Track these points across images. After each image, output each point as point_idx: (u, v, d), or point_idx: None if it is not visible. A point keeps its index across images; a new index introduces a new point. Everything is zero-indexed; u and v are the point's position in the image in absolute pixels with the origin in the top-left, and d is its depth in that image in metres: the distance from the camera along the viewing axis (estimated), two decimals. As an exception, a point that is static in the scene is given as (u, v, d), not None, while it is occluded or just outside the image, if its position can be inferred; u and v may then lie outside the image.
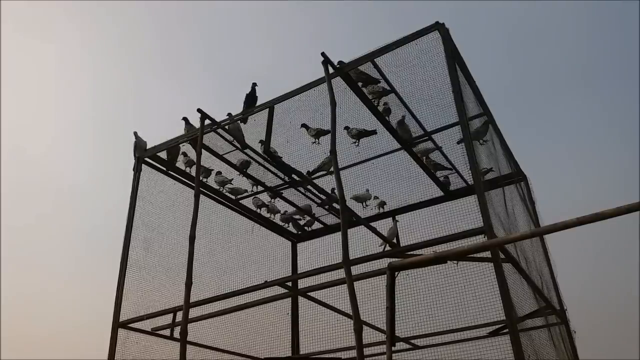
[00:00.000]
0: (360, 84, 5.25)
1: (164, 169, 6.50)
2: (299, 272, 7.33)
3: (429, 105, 5.47)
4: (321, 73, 4.92)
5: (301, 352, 6.57)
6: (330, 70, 4.90)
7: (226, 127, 5.86)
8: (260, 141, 5.92)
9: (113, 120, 20.69)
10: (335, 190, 4.49)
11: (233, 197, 6.99)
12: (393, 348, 3.36)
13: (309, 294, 6.08)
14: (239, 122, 5.93)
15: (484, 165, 5.00)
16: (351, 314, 3.79)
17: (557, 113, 18.07)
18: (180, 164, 6.54)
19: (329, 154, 4.81)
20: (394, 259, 4.03)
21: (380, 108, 5.53)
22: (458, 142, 5.65)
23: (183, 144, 6.34)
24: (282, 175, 6.60)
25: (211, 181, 6.73)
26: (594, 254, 13.29)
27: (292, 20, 22.15)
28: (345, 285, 3.92)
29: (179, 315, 5.21)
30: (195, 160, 5.60)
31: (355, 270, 4.54)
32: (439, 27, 4.64)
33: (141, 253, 6.05)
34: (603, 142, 17.06)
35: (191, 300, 4.74)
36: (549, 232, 3.33)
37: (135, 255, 5.98)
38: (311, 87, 5.30)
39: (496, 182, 5.26)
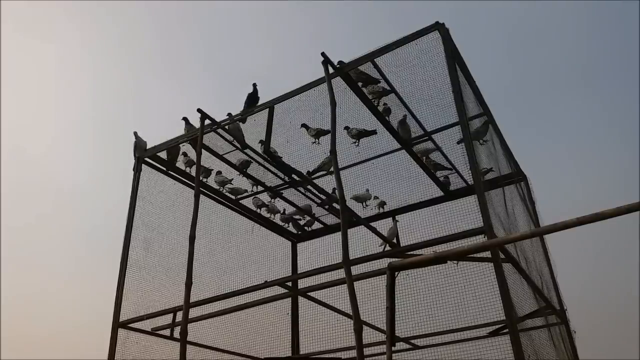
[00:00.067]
0: (360, 84, 5.25)
1: (164, 169, 6.50)
2: (299, 272, 7.33)
3: (429, 105, 5.47)
4: (321, 73, 4.92)
5: (301, 352, 6.57)
6: (330, 70, 4.90)
7: (226, 127, 5.86)
8: (260, 141, 5.93)
9: (113, 120, 20.71)
10: (336, 191, 4.49)
11: (233, 197, 6.99)
12: (393, 348, 3.36)
13: (309, 294, 6.08)
14: (238, 122, 5.93)
15: (484, 165, 5.00)
16: (351, 314, 3.79)
17: (557, 113, 18.08)
18: (180, 164, 6.54)
19: (329, 154, 4.82)
20: (394, 259, 4.03)
21: (380, 108, 5.53)
22: (458, 142, 5.65)
23: (183, 144, 6.34)
24: (282, 175, 6.60)
25: (211, 181, 6.73)
26: (594, 254, 13.30)
27: (292, 20, 22.17)
28: (345, 285, 3.92)
29: (179, 315, 5.21)
30: (195, 160, 5.60)
31: (355, 270, 4.54)
32: (439, 27, 4.64)
33: (141, 253, 6.05)
34: (603, 142, 17.08)
35: (191, 300, 4.74)
36: (549, 232, 3.33)
37: (135, 255, 5.98)
38: (311, 87, 5.29)
39: (496, 182, 5.26)
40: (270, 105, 5.65)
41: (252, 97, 5.90)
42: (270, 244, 7.49)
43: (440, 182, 6.50)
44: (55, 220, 18.01)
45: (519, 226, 5.54)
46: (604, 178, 15.98)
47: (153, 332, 5.80)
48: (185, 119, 6.26)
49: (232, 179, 6.76)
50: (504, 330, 4.79)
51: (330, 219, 7.50)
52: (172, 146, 6.31)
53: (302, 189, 6.86)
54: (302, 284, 6.11)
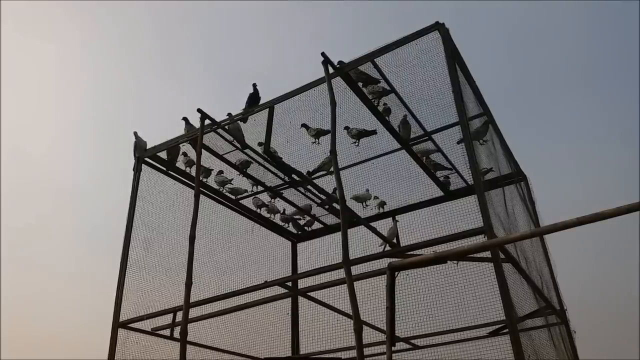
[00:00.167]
0: (360, 84, 5.25)
1: (164, 169, 6.50)
2: (299, 272, 7.33)
3: (429, 105, 5.47)
4: (321, 73, 4.92)
5: (301, 352, 6.57)
6: (330, 70, 4.90)
7: (226, 127, 5.86)
8: (259, 143, 5.92)
9: (113, 120, 20.71)
10: (336, 191, 4.49)
11: (233, 197, 6.99)
12: (393, 348, 3.36)
13: (309, 294, 6.08)
14: (238, 122, 5.94)
15: (484, 165, 5.00)
16: (351, 314, 3.79)
17: (557, 113, 18.08)
18: (180, 164, 6.54)
19: (329, 154, 4.81)
20: (394, 259, 4.03)
21: (380, 108, 5.53)
22: (458, 142, 5.65)
23: (183, 144, 6.34)
24: (282, 175, 6.60)
25: (211, 181, 6.73)
26: (594, 254, 13.30)
27: (292, 20, 22.16)
28: (345, 285, 3.92)
29: (179, 315, 5.21)
30: (195, 160, 5.60)
31: (355, 270, 4.54)
32: (439, 27, 4.64)
33: (141, 253, 6.05)
34: (603, 142, 17.08)
35: (191, 300, 4.74)
36: (549, 232, 3.33)
37: (135, 255, 5.98)
38: (311, 87, 5.29)
39: (496, 182, 5.26)
40: (270, 105, 5.65)
41: (253, 97, 5.91)
42: (270, 244, 7.49)
43: (440, 182, 6.50)
44: (55, 220, 18.03)
45: (519, 226, 5.54)
46: (604, 178, 16.00)
47: (153, 332, 5.80)
48: (185, 119, 6.26)
49: (232, 179, 6.76)
50: (504, 330, 4.79)
51: (330, 219, 7.50)
52: (172, 146, 6.31)
53: (302, 189, 6.86)
54: (302, 284, 6.11)
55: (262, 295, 5.56)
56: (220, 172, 6.71)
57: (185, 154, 6.52)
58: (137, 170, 6.34)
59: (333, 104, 4.67)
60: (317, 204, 7.07)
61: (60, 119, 20.63)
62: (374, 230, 5.46)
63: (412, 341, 5.72)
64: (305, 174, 6.31)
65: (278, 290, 5.76)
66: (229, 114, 5.84)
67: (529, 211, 6.51)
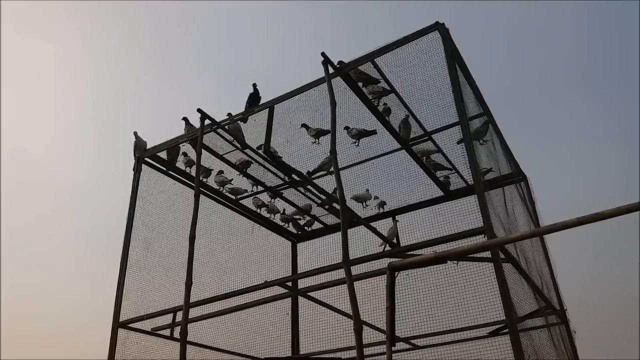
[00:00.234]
0: (360, 84, 5.25)
1: (164, 169, 6.50)
2: (299, 272, 7.33)
3: (429, 105, 5.47)
4: (321, 73, 4.92)
5: (301, 352, 6.57)
6: (330, 70, 4.90)
7: (226, 127, 5.86)
8: (260, 146, 5.92)
9: (113, 120, 20.71)
10: (336, 191, 4.49)
11: (233, 197, 6.99)
12: (393, 348, 3.36)
13: (309, 294, 6.08)
14: (239, 122, 5.94)
15: (484, 165, 5.00)
16: (351, 314, 3.79)
17: (557, 113, 18.08)
18: (180, 164, 6.54)
19: (329, 154, 4.81)
20: (394, 259, 4.03)
21: (380, 108, 5.53)
22: (458, 142, 5.65)
23: (183, 144, 6.34)
24: (282, 175, 6.60)
25: (211, 181, 6.73)
26: (594, 254, 13.30)
27: (292, 20, 22.16)
28: (345, 285, 3.92)
29: (179, 315, 5.21)
30: (195, 160, 5.60)
31: (355, 270, 4.54)
32: (439, 27, 4.64)
33: (141, 253, 6.05)
34: (603, 142, 17.08)
35: (191, 300, 4.74)
36: (549, 232, 3.33)
37: (135, 255, 5.98)
38: (311, 87, 5.29)
39: (496, 182, 5.26)
40: (270, 105, 5.65)
41: (254, 97, 5.91)
42: (270, 244, 7.49)
43: (440, 182, 6.50)
44: (55, 220, 18.03)
45: (519, 226, 5.54)
46: (604, 178, 15.99)
47: (153, 332, 5.80)
48: (185, 119, 6.27)
49: (232, 179, 6.76)
50: (504, 330, 4.79)
51: (330, 219, 7.50)
52: (172, 146, 6.31)
53: (302, 189, 6.86)
54: (302, 284, 6.11)
55: (262, 295, 5.56)
56: (220, 172, 6.71)
57: (185, 154, 6.52)
58: (137, 170, 6.34)
59: (333, 104, 4.67)
60: (317, 204, 7.07)
61: (60, 119, 20.65)
62: (374, 230, 5.46)
63: (412, 341, 5.72)
64: (305, 174, 6.31)
65: (278, 290, 5.76)
66: (229, 114, 5.85)
67: (529, 211, 6.51)
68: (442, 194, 6.61)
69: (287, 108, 5.71)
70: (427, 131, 5.91)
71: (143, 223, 6.19)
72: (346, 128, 5.94)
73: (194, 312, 5.52)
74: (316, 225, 7.66)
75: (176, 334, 5.41)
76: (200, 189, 5.56)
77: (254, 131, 5.96)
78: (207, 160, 6.34)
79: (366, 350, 4.81)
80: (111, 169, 18.84)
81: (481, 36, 19.33)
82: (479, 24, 19.48)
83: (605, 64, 18.51)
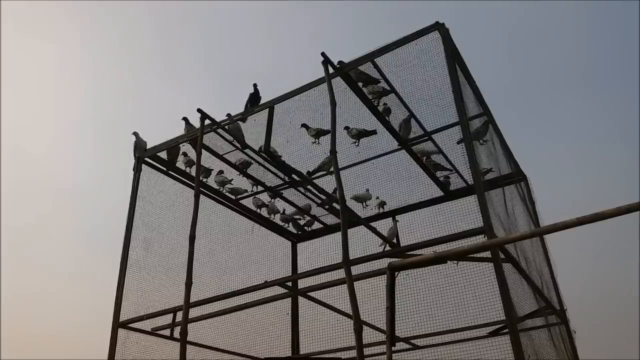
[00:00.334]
0: (360, 84, 5.25)
1: (164, 169, 6.50)
2: (299, 272, 7.33)
3: (429, 105, 5.47)
4: (321, 73, 4.92)
5: (301, 352, 6.57)
6: (330, 70, 4.90)
7: (226, 127, 5.86)
8: (260, 148, 5.92)
9: (113, 120, 20.71)
10: (336, 191, 4.49)
11: (233, 197, 6.99)
12: (393, 348, 3.36)
13: (309, 294, 6.08)
14: (239, 122, 5.94)
15: (484, 165, 5.00)
16: (351, 314, 3.79)
17: (557, 113, 18.08)
18: (180, 164, 6.54)
19: (329, 154, 4.81)
20: (394, 259, 4.03)
21: (380, 108, 5.53)
22: (458, 142, 5.65)
23: (183, 144, 6.34)
24: (282, 175, 6.60)
25: (211, 181, 6.73)
26: (594, 254, 13.30)
27: (292, 20, 22.17)
28: (345, 285, 3.92)
29: (179, 315, 5.21)
30: (195, 160, 5.60)
31: (355, 270, 4.54)
32: (439, 27, 4.64)
33: (141, 253, 6.05)
34: (603, 142, 17.08)
35: (191, 300, 4.74)
36: (549, 232, 3.33)
37: (135, 255, 5.98)
38: (311, 87, 5.29)
39: (496, 182, 5.26)
40: (270, 105, 5.65)
41: (254, 97, 5.92)
42: (270, 244, 7.49)
43: (440, 182, 6.50)
44: (55, 220, 18.03)
45: (519, 226, 5.54)
46: (604, 178, 15.99)
47: (153, 332, 5.80)
48: (185, 119, 6.27)
49: (232, 179, 6.76)
50: (504, 330, 4.79)
51: (330, 219, 7.50)
52: (172, 146, 6.31)
53: (302, 189, 6.86)
54: (302, 284, 6.11)
55: (262, 295, 5.56)
56: (220, 172, 6.71)
57: (185, 154, 6.52)
58: (137, 170, 6.34)
59: (333, 104, 4.67)
60: (317, 204, 7.07)
61: (60, 119, 20.65)
62: (374, 230, 5.46)
63: (412, 341, 5.72)
64: (305, 174, 6.31)
65: (278, 290, 5.76)
66: (228, 114, 5.85)
67: (529, 211, 6.51)
68: (442, 194, 6.61)
69: (287, 108, 5.71)
70: (427, 131, 5.91)
71: (143, 223, 6.19)
72: (346, 128, 5.94)
73: (194, 312, 5.52)
74: (316, 225, 7.66)
75: (176, 334, 5.41)
76: (200, 189, 5.56)
77: (254, 131, 5.96)
78: (207, 160, 6.34)
79: (366, 350, 4.81)
80: (111, 169, 18.85)
81: (481, 36, 19.35)
82: (479, 24, 19.50)
83: (605, 64, 18.53)
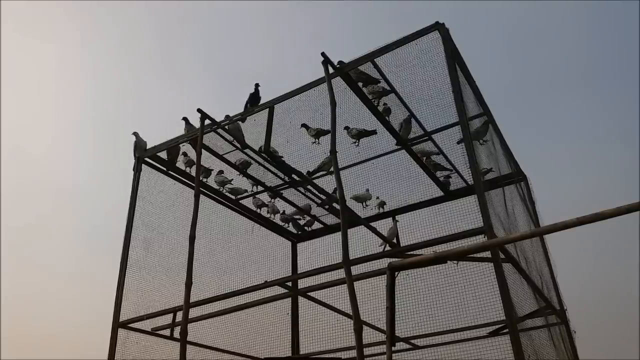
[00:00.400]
0: (360, 84, 5.25)
1: (164, 169, 6.50)
2: (299, 272, 7.33)
3: (429, 105, 5.47)
4: (321, 73, 4.92)
5: (301, 352, 6.57)
6: (330, 70, 4.90)
7: (226, 127, 5.86)
8: (260, 148, 5.92)
9: (113, 120, 20.71)
10: (336, 191, 4.49)
11: (233, 197, 6.99)
12: (393, 348, 3.36)
13: (309, 294, 6.08)
14: (238, 122, 5.94)
15: (484, 165, 5.00)
16: (351, 314, 3.79)
17: (557, 113, 18.08)
18: (180, 164, 6.54)
19: (329, 154, 4.82)
20: (394, 259, 4.03)
21: (380, 108, 5.53)
22: (458, 142, 5.65)
23: (183, 144, 6.34)
24: (282, 175, 6.60)
25: (211, 181, 6.74)
26: (594, 254, 13.30)
27: (292, 20, 22.17)
28: (345, 285, 3.92)
29: (179, 315, 5.21)
30: (195, 160, 5.61)
31: (355, 270, 4.54)
32: (439, 27, 4.64)
33: (141, 253, 6.05)
34: (603, 142, 17.08)
35: (191, 300, 4.74)
36: (549, 232, 3.33)
37: (135, 255, 5.98)
38: (311, 87, 5.29)
39: (496, 182, 5.26)
40: (270, 105, 5.65)
41: (254, 97, 5.92)
42: (270, 244, 7.49)
43: (440, 182, 6.50)
44: (55, 220, 18.03)
45: (519, 226, 5.54)
46: (604, 178, 15.99)
47: (153, 332, 5.80)
48: (185, 119, 6.27)
49: (232, 179, 6.76)
50: (504, 330, 4.79)
51: (330, 219, 7.50)
52: (172, 146, 6.31)
53: (302, 189, 6.86)
54: (302, 284, 6.11)
55: (262, 295, 5.56)
56: (220, 172, 6.71)
57: (185, 154, 6.52)
58: (137, 170, 6.35)
59: (333, 104, 4.67)
60: (317, 204, 7.07)
61: (60, 119, 20.65)
62: (374, 230, 5.46)
63: (412, 341, 5.72)
64: (305, 174, 6.31)
65: (278, 290, 5.76)
66: (227, 116, 5.85)
67: (529, 211, 6.51)
68: (442, 194, 6.61)
69: (287, 108, 5.71)
70: (427, 131, 5.91)
71: (143, 223, 6.19)
72: (346, 128, 5.94)
73: (194, 312, 5.52)
74: (316, 225, 7.66)
75: (176, 334, 5.41)
76: (200, 189, 5.56)
77: (254, 131, 5.96)
78: (207, 160, 6.34)
79: (366, 350, 4.81)
80: (111, 169, 18.85)
81: (481, 36, 19.35)
82: (479, 24, 19.50)
83: (605, 64, 18.53)
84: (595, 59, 18.46)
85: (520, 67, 19.43)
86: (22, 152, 18.50)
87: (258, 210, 7.21)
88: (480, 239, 3.97)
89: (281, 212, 7.39)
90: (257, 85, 5.97)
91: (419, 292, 5.49)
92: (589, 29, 19.21)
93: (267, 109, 5.68)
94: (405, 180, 6.46)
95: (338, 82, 5.08)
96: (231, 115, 5.86)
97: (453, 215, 5.98)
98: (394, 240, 6.14)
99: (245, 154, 6.22)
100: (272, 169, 6.45)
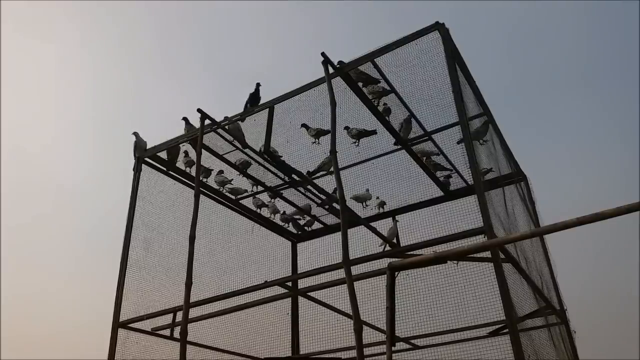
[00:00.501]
0: (360, 84, 5.25)
1: (164, 169, 6.50)
2: (299, 272, 7.33)
3: (429, 105, 5.47)
4: (321, 73, 4.92)
5: (301, 352, 6.57)
6: (330, 70, 4.90)
7: (226, 127, 5.86)
8: (260, 148, 5.92)
9: (113, 120, 20.71)
10: (336, 191, 4.49)
11: (233, 197, 6.99)
12: (393, 348, 3.36)
13: (309, 294, 6.08)
14: (238, 121, 5.94)
15: (484, 165, 5.00)
16: (351, 314, 3.79)
17: (557, 113, 18.08)
18: (180, 164, 6.54)
19: (329, 154, 4.82)
20: (394, 259, 4.03)
21: (380, 108, 5.53)
22: (458, 142, 5.65)
23: (183, 144, 6.34)
24: (282, 175, 6.60)
25: (211, 181, 6.74)
26: (594, 254, 13.30)
27: (292, 20, 22.16)
28: (345, 285, 3.92)
29: (179, 315, 5.21)
30: (195, 160, 5.61)
31: (355, 270, 4.54)
32: (439, 27, 4.64)
33: (141, 253, 6.05)
34: (603, 142, 17.08)
35: (191, 300, 4.74)
36: (549, 232, 3.33)
37: (135, 255, 5.98)
38: (311, 87, 5.30)
39: (496, 182, 5.26)
40: (270, 105, 5.65)
41: (254, 97, 5.92)
42: (270, 244, 7.49)
43: (440, 182, 6.50)
44: (55, 220, 18.03)
45: (519, 226, 5.54)
46: (604, 178, 16.00)
47: (153, 332, 5.80)
48: (185, 119, 6.27)
49: (232, 179, 6.76)
50: (504, 330, 4.79)
51: (330, 219, 7.50)
52: (172, 146, 6.31)
53: (302, 189, 6.86)
54: (302, 284, 6.11)
55: (262, 295, 5.56)
56: (220, 172, 6.71)
57: (185, 154, 6.52)
58: (137, 170, 6.35)
59: (333, 104, 4.67)
60: (317, 204, 7.07)
61: (60, 119, 20.62)
62: (374, 230, 5.46)
63: (412, 341, 5.72)
64: (305, 174, 6.31)
65: (278, 290, 5.76)
66: (226, 117, 5.84)
67: (529, 211, 6.51)
68: (442, 194, 6.61)
69: (287, 108, 5.71)
70: (427, 131, 5.91)
71: (143, 223, 6.19)
72: (346, 128, 5.94)
73: (194, 312, 5.52)
74: (316, 225, 7.66)
75: (176, 334, 5.41)
76: (200, 189, 5.56)
77: (254, 131, 5.96)
78: (207, 160, 6.34)
79: (366, 350, 4.80)
80: (111, 169, 18.85)
81: (481, 36, 19.35)
82: (479, 24, 19.49)
83: (605, 64, 18.53)
84: (595, 59, 18.47)
85: (520, 67, 19.45)
86: (22, 151, 18.51)
87: (258, 210, 7.21)
88: (480, 239, 3.97)
89: (281, 212, 7.39)
90: (258, 84, 5.98)
91: (419, 292, 5.49)
92: (589, 29, 19.22)
93: (267, 109, 5.68)
94: (405, 180, 6.46)
95: (338, 82, 5.08)
96: (231, 115, 5.86)
97: (453, 215, 5.98)
98: (394, 240, 6.14)
99: (245, 154, 6.22)
100: (272, 169, 6.45)
